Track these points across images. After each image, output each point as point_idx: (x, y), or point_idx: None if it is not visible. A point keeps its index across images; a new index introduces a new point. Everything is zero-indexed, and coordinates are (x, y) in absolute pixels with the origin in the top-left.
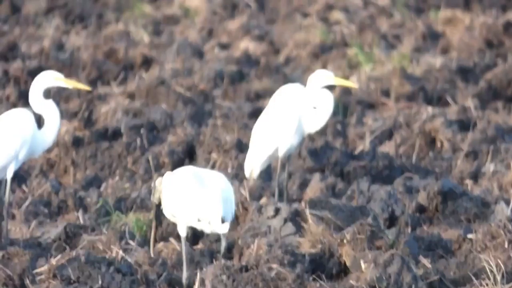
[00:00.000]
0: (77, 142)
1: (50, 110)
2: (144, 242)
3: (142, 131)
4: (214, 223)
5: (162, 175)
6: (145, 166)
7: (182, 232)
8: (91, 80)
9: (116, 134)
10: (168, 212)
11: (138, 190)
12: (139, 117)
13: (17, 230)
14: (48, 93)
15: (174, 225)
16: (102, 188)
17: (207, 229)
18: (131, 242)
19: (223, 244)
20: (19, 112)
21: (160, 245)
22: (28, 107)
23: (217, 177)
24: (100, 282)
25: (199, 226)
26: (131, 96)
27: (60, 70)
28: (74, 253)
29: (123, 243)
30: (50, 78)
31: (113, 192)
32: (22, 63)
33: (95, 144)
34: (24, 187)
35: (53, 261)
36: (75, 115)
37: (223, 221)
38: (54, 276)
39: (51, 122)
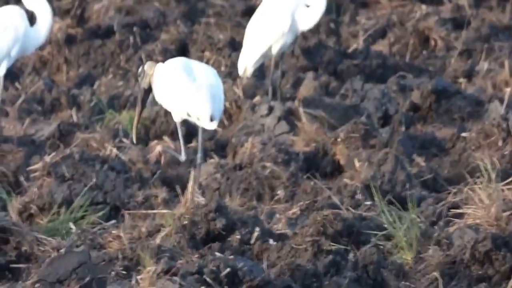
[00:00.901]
0: (69, 40)
1: (42, 7)
2: (138, 140)
3: (135, 28)
4: (203, 119)
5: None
6: (138, 64)
7: (176, 118)
8: None
9: (109, 32)
10: (159, 100)
11: (131, 88)
12: (131, 15)
13: (11, 127)
14: None
15: (167, 123)
16: (95, 86)
17: (197, 123)
18: (124, 140)
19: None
20: (11, 9)
21: (154, 143)
22: (20, 4)
23: (208, 72)
24: (94, 179)
25: (189, 119)
26: None
27: None
28: (68, 150)
29: (116, 141)
30: None
31: (106, 90)
32: None
33: (88, 42)
34: (17, 84)
35: (47, 158)
36: (67, 12)
37: (211, 119)
38: (48, 173)
39: (43, 19)
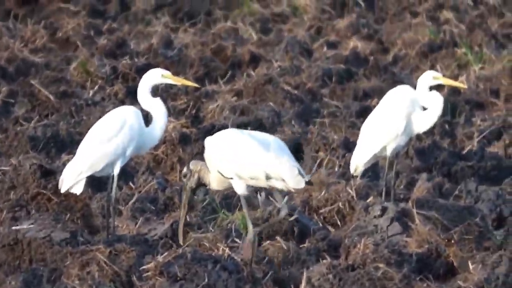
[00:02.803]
0: (184, 139)
1: (157, 107)
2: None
3: (249, 128)
4: (290, 178)
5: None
6: None
7: (241, 189)
8: (198, 77)
9: None
10: (230, 173)
11: None
12: (246, 114)
13: (124, 226)
14: (156, 90)
15: (280, 223)
16: (208, 186)
17: (278, 186)
18: (237, 240)
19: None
20: (127, 109)
21: (267, 243)
22: (136, 104)
23: (267, 136)
24: (206, 279)
25: (269, 184)
26: (239, 93)
27: (167, 67)
28: (180, 250)
29: (229, 241)
30: (158, 76)
31: (219, 190)
32: (130, 60)
33: (202, 142)
34: (131, 184)
35: (160, 258)
36: (182, 112)
37: (301, 175)
38: (161, 273)
39: (158, 119)
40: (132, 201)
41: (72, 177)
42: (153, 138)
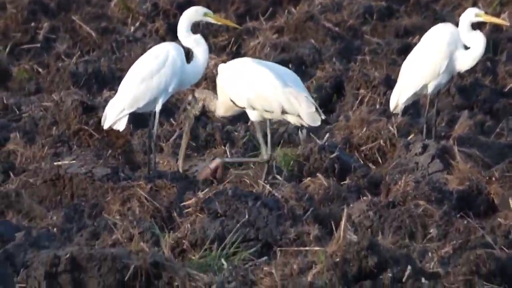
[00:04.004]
0: None
1: (198, 44)
2: (292, 177)
3: (290, 65)
4: (306, 115)
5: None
6: None
7: (254, 117)
8: (239, 14)
9: None
10: (244, 103)
11: (286, 125)
12: (287, 52)
13: (165, 163)
14: (196, 27)
15: (321, 160)
16: (249, 123)
17: (292, 121)
18: (278, 177)
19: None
20: (169, 45)
21: (308, 180)
22: (177, 41)
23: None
24: (246, 216)
25: (279, 118)
26: (280, 31)
27: (208, 4)
28: (221, 187)
29: (270, 178)
30: (199, 14)
31: None
32: None
33: None
34: (172, 120)
35: (200, 194)
36: (223, 49)
37: (319, 113)
38: (201, 209)
39: (199, 55)
40: (173, 137)
41: (115, 114)
42: (194, 75)
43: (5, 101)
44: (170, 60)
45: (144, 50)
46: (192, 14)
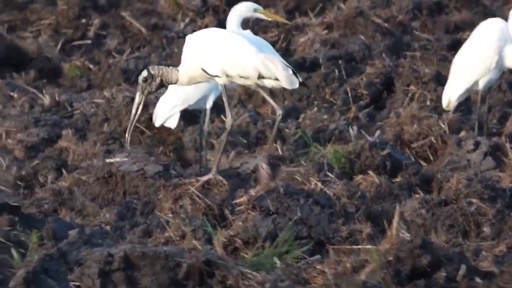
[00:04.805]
0: None
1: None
2: (343, 175)
3: (340, 61)
4: (283, 78)
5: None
6: (343, 97)
7: (223, 82)
8: (288, 10)
9: (314, 65)
10: (217, 71)
11: (336, 121)
12: (337, 48)
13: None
14: (246, 23)
15: (372, 157)
16: (300, 119)
17: (268, 86)
18: (329, 174)
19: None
20: None
21: (359, 177)
22: None
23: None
24: (298, 214)
25: (254, 84)
26: (329, 26)
27: (257, 0)
28: (273, 184)
29: (321, 175)
30: (248, 9)
31: (311, 123)
32: None
33: None
34: (223, 117)
35: (252, 192)
36: (273, 45)
37: (296, 76)
38: (253, 207)
39: None
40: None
41: (166, 111)
42: None
43: (57, 98)
44: None
45: None
46: (242, 10)
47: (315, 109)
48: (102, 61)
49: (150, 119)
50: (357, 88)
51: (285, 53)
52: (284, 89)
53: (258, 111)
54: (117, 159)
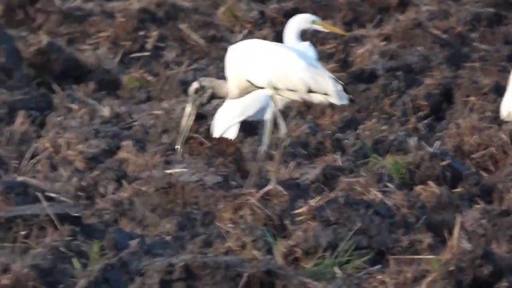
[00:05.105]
0: None
1: (307, 52)
2: (403, 185)
3: (399, 73)
4: (333, 93)
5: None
6: (402, 109)
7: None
8: (346, 22)
9: (372, 76)
10: (264, 83)
11: (396, 132)
12: (395, 59)
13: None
14: (304, 35)
15: (433, 168)
16: (359, 130)
17: (316, 101)
18: (389, 184)
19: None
20: None
21: (419, 188)
22: None
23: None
24: (358, 224)
25: (300, 98)
26: (387, 38)
27: (315, 11)
28: (332, 194)
29: (381, 186)
30: (306, 21)
31: (370, 134)
32: (278, 4)
33: (351, 86)
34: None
35: (312, 202)
36: (331, 57)
37: (346, 91)
38: (313, 217)
39: None
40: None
41: (225, 122)
42: None
43: (116, 109)
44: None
45: None
46: (300, 22)
47: (374, 120)
48: (161, 73)
49: (208, 129)
50: (416, 99)
51: (343, 64)
52: None
53: (317, 122)
54: (177, 170)
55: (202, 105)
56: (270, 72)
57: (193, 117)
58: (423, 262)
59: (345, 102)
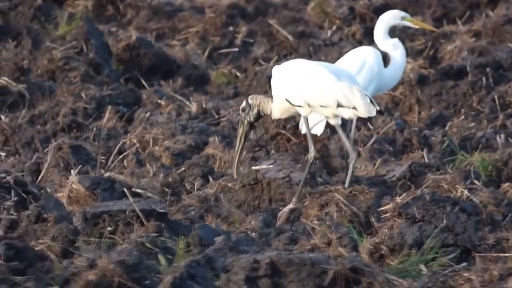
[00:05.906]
0: (422, 80)
1: (396, 48)
2: (490, 183)
3: (488, 69)
4: (362, 107)
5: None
6: (490, 106)
7: (306, 114)
8: (436, 18)
9: (461, 73)
10: (299, 101)
11: (484, 129)
12: (484, 55)
13: (362, 168)
14: (393, 31)
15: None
16: (447, 127)
17: (346, 115)
18: (476, 182)
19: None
20: (367, 49)
21: (506, 185)
22: (373, 45)
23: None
24: (444, 221)
25: (333, 114)
26: (477, 34)
27: (405, 7)
28: (419, 191)
29: (468, 183)
30: (397, 17)
31: (458, 131)
32: (368, 0)
33: (440, 83)
34: (369, 125)
35: (398, 199)
36: (420, 53)
37: (374, 105)
38: (399, 214)
39: (397, 60)
40: (371, 142)
41: (313, 119)
42: (391, 79)
43: (204, 105)
44: (367, 64)
45: (340, 54)
46: (390, 18)
47: (462, 117)
48: (249, 69)
49: (297, 126)
50: (504, 96)
51: (432, 61)
52: (432, 95)
53: (404, 119)
54: (263, 166)
55: (251, 124)
56: (304, 90)
57: (243, 137)
58: (509, 260)
59: (372, 114)
